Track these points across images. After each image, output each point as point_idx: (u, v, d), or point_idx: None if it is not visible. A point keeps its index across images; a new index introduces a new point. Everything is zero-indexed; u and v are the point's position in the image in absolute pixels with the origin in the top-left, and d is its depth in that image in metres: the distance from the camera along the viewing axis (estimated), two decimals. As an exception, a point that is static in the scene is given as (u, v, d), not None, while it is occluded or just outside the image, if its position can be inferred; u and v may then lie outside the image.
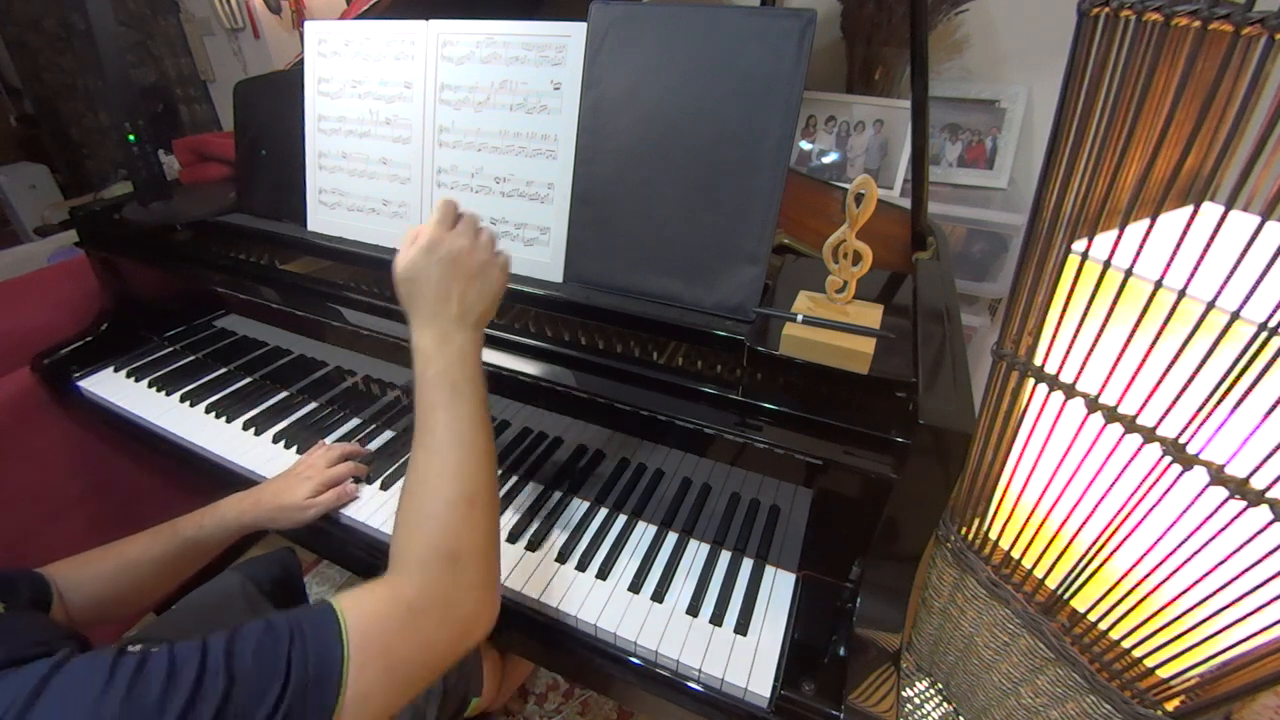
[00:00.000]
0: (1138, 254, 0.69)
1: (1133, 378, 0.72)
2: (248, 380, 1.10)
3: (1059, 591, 0.86)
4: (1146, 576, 0.75)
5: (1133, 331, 0.71)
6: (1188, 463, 0.68)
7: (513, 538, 0.79)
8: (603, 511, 0.83)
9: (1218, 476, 0.65)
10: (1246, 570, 0.66)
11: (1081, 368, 0.78)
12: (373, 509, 0.83)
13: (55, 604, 0.62)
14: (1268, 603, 0.65)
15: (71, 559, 0.68)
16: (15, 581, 0.60)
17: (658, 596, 0.72)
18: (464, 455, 0.53)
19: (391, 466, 0.89)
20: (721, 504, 0.77)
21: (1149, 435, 0.71)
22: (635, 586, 0.73)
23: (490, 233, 0.62)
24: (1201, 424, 0.66)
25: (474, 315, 0.58)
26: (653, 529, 0.81)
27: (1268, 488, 0.62)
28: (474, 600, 0.51)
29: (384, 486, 0.86)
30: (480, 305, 0.58)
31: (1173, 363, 0.67)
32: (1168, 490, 0.71)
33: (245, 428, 0.99)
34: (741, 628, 0.69)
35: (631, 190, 0.74)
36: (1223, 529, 0.66)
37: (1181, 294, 0.65)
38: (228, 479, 0.94)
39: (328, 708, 0.42)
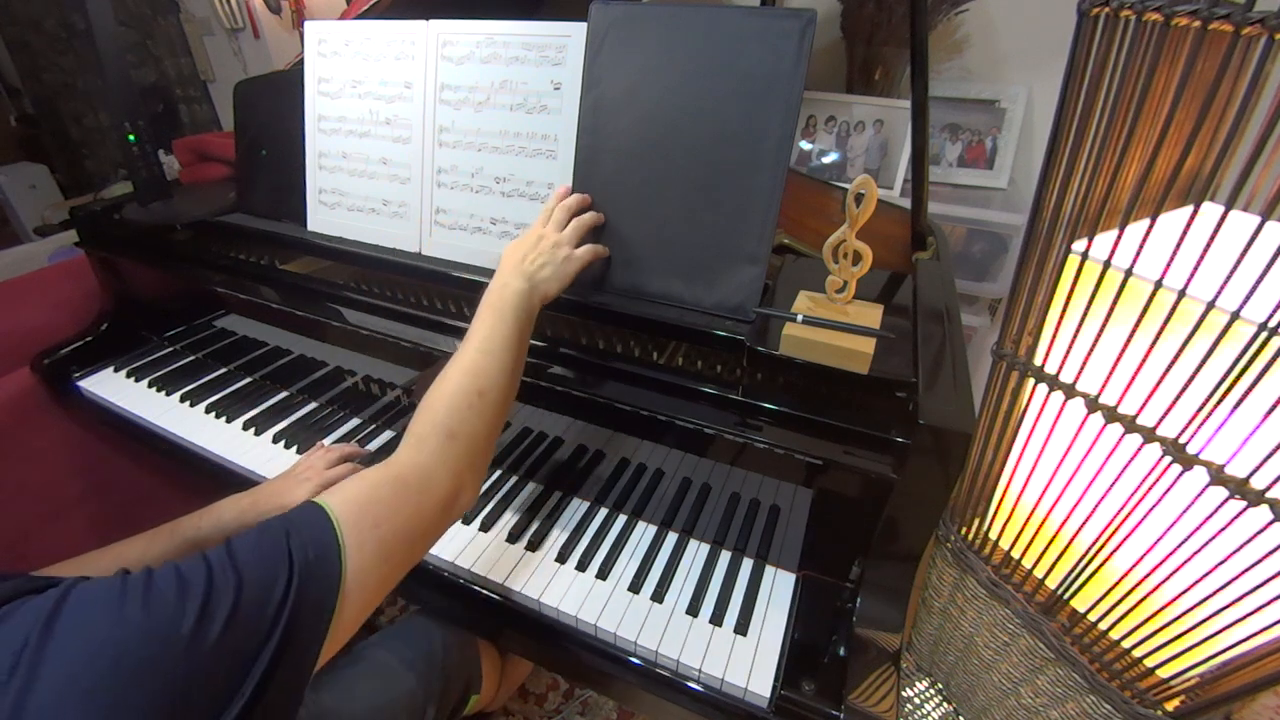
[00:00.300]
0: (1138, 254, 0.69)
1: (1133, 378, 0.72)
2: (248, 380, 1.10)
3: (1059, 591, 0.86)
4: (1146, 576, 0.75)
5: (1133, 331, 0.71)
6: (1188, 463, 0.68)
7: (513, 538, 0.79)
8: (603, 511, 0.83)
9: (1218, 476, 0.65)
10: (1246, 570, 0.66)
11: (1081, 368, 0.78)
12: (373, 509, 0.83)
13: None
14: (1268, 603, 0.65)
15: (67, 562, 0.68)
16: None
17: (657, 596, 0.72)
18: (487, 360, 0.60)
19: (391, 466, 0.89)
20: (721, 504, 0.77)
21: (1149, 435, 0.71)
22: (635, 586, 0.73)
23: (576, 227, 0.72)
24: (1201, 424, 0.66)
25: (538, 277, 0.67)
26: (653, 529, 0.81)
27: (1268, 488, 0.62)
28: (458, 477, 0.56)
29: (384, 486, 0.86)
30: (545, 272, 0.67)
31: (1173, 363, 0.67)
32: (1168, 490, 0.71)
33: (245, 428, 0.99)
34: (741, 628, 0.69)
35: (631, 190, 0.74)
36: (1223, 529, 0.66)
37: (1181, 294, 0.65)
38: (228, 479, 0.94)
39: (333, 585, 0.45)
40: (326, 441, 0.94)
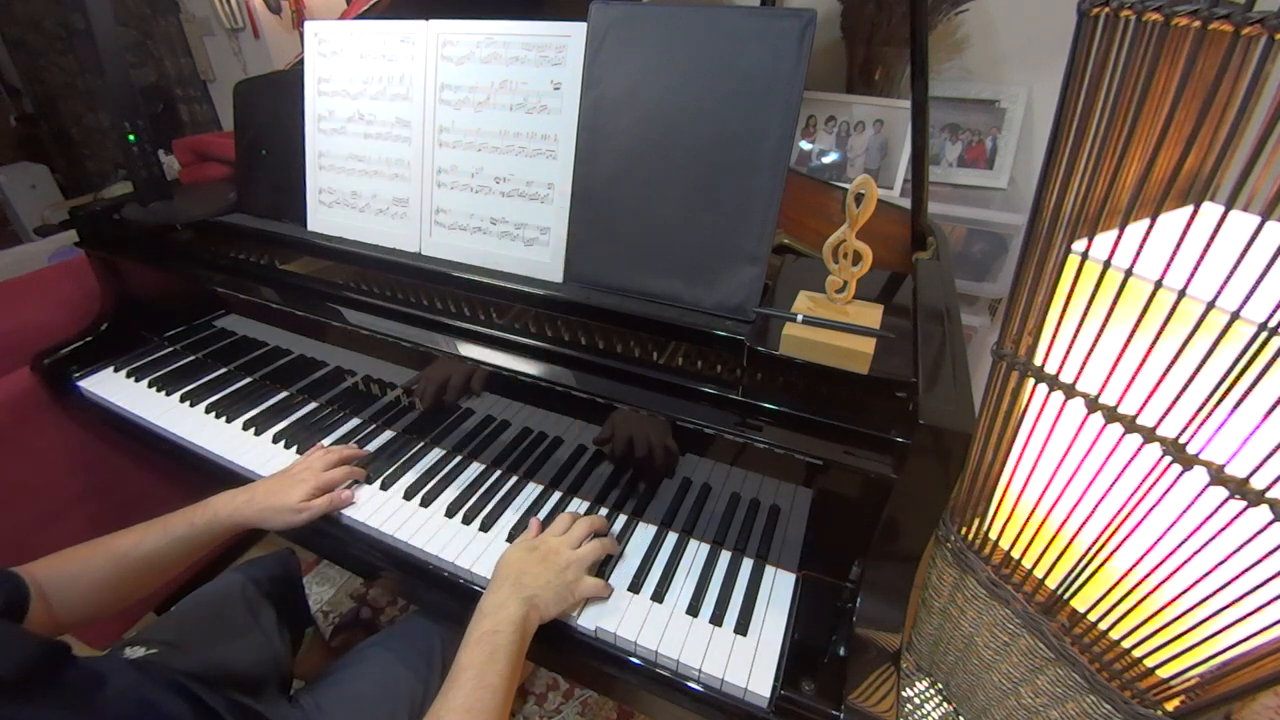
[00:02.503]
0: (1138, 254, 0.69)
1: (1133, 378, 0.72)
2: (248, 380, 1.10)
3: (1059, 591, 0.86)
4: (1146, 576, 0.75)
5: (1133, 331, 0.71)
6: (1188, 463, 0.68)
7: (513, 538, 0.79)
8: (602, 511, 0.83)
9: (1218, 476, 0.65)
10: (1246, 570, 0.66)
11: (1081, 368, 0.78)
12: (372, 509, 0.83)
13: (35, 606, 0.60)
14: (1268, 603, 0.65)
15: (57, 555, 0.67)
16: None
17: (658, 597, 0.72)
18: None
19: (391, 467, 0.89)
20: (721, 504, 0.77)
21: (1149, 435, 0.71)
22: (635, 587, 0.73)
23: (594, 549, 0.72)
24: (1201, 424, 0.66)
25: (537, 599, 0.65)
26: (652, 529, 0.81)
27: (1268, 488, 0.62)
28: None
29: (384, 486, 0.86)
30: (545, 593, 0.65)
31: (1173, 363, 0.67)
32: (1168, 490, 0.71)
33: (245, 428, 0.99)
34: (741, 628, 0.69)
35: (631, 190, 0.74)
36: (1223, 529, 0.66)
37: (1181, 294, 0.65)
38: (227, 479, 0.93)
39: None
40: (326, 442, 0.94)
